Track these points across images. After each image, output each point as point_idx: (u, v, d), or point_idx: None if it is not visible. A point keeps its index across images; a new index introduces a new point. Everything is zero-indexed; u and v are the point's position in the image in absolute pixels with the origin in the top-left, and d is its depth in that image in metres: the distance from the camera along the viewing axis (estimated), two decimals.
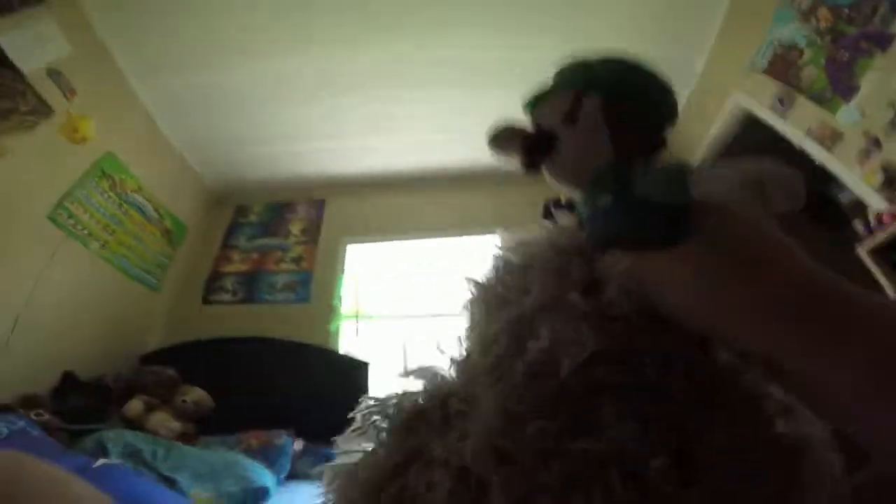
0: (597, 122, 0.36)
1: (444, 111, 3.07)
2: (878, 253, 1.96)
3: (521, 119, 0.56)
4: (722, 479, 0.28)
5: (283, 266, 3.40)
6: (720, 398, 0.31)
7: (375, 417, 0.38)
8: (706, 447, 0.29)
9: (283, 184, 3.73)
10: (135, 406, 2.08)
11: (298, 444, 2.20)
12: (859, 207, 2.15)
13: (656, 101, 0.43)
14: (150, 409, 2.11)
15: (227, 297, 3.22)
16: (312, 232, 3.58)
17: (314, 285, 3.29)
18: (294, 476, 2.07)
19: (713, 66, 2.76)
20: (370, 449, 0.37)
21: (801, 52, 2.29)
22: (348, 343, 3.06)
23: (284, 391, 2.61)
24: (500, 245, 0.43)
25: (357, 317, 3.24)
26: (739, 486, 0.28)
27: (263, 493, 1.73)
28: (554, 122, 0.39)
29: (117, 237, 2.68)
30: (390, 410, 0.38)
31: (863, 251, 1.98)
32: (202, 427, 2.19)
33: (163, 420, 2.07)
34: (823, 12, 2.15)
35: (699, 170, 0.30)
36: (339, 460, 0.38)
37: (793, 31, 2.30)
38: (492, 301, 0.40)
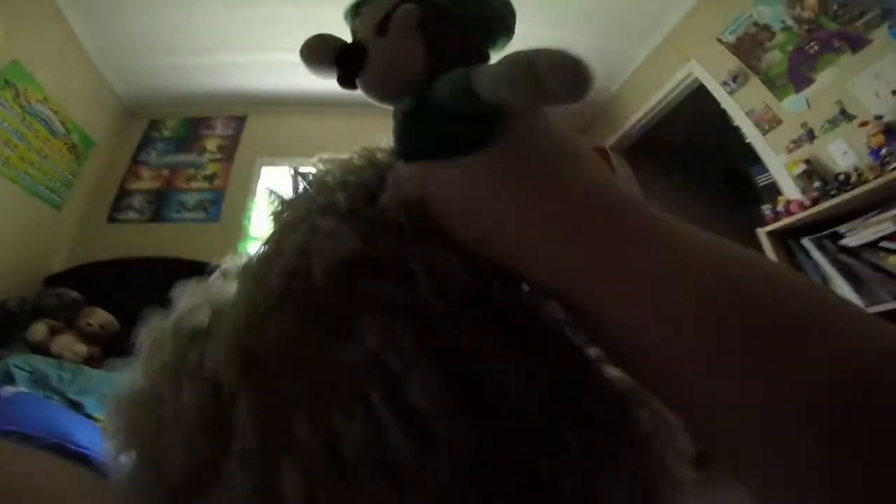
0: (407, 30, 0.33)
1: None
2: (777, 236, 2.08)
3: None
4: (524, 420, 0.25)
5: (195, 184, 3.39)
6: (523, 332, 0.28)
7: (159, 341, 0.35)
8: (500, 382, 0.25)
9: (202, 98, 3.54)
10: (38, 330, 2.17)
11: None
12: (774, 191, 2.32)
13: (483, 7, 0.37)
14: (54, 332, 2.21)
15: (133, 215, 3.20)
16: (229, 149, 3.53)
17: (226, 205, 3.31)
18: None
19: (683, 29, 2.81)
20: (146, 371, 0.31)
21: (773, 35, 2.36)
22: None
23: None
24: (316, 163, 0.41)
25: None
26: (550, 430, 0.25)
27: None
28: (366, 34, 0.35)
29: (19, 152, 2.56)
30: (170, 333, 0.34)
31: (762, 232, 2.11)
32: (109, 350, 2.32)
33: (68, 343, 2.19)
34: (811, 1, 2.18)
35: (476, 68, 0.27)
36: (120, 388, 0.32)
37: (774, 14, 2.34)
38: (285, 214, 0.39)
